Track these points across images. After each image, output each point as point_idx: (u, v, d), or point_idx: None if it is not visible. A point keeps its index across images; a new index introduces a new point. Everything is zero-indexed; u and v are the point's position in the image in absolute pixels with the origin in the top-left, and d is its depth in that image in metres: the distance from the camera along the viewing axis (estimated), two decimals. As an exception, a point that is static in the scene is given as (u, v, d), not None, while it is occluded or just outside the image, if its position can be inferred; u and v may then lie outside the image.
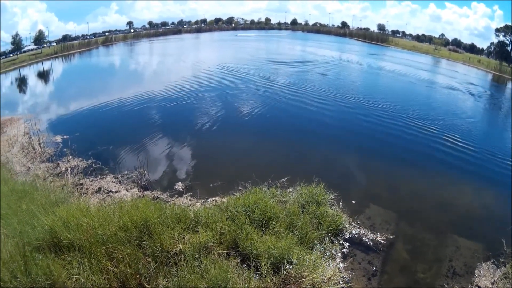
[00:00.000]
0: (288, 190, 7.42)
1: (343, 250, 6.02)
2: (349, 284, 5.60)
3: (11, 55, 46.35)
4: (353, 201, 7.33)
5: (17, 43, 47.18)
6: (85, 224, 5.06)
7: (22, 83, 32.34)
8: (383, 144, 11.79)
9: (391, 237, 6.59)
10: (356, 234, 6.32)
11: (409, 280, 5.90)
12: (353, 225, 6.50)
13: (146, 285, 4.97)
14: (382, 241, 6.43)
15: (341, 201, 7.09)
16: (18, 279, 5.03)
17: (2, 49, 46.67)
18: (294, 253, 5.29)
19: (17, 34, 47.66)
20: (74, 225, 5.10)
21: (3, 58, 44.46)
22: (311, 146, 11.48)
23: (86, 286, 4.97)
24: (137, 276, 4.98)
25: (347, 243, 6.13)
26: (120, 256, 4.95)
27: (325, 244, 5.81)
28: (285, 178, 8.18)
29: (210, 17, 69.59)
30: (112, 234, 4.98)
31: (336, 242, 6.03)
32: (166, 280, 4.93)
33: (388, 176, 9.46)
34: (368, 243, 6.32)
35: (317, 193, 6.60)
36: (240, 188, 7.95)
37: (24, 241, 5.27)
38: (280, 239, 5.34)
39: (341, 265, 5.88)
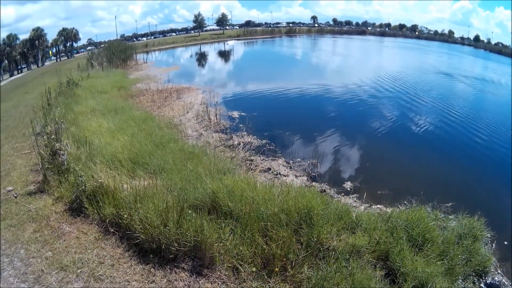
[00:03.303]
0: (450, 216, 7.15)
1: (480, 295, 5.66)
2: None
3: (192, 32, 51.57)
4: (506, 242, 6.84)
5: (199, 22, 52.42)
6: (250, 198, 5.33)
7: (201, 57, 35.63)
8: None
9: (527, 296, 6.06)
10: (497, 282, 5.88)
11: None
12: (498, 271, 6.07)
13: (289, 269, 5.09)
14: (516, 297, 5.94)
15: (495, 242, 6.67)
16: (167, 227, 5.43)
17: (184, 26, 52.82)
18: (438, 283, 5.08)
19: (199, 14, 53.58)
20: (238, 195, 5.39)
21: (184, 33, 49.76)
22: (483, 177, 10.52)
23: (231, 253, 5.23)
24: (284, 259, 5.12)
25: (486, 288, 5.76)
26: (275, 237, 5.12)
27: (467, 283, 5.50)
28: (450, 204, 7.88)
29: (393, 22, 69.63)
30: (273, 214, 5.17)
31: (477, 284, 5.68)
32: (311, 270, 5.00)
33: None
34: (505, 295, 5.88)
35: (476, 228, 6.27)
36: (405, 202, 7.87)
37: (185, 197, 5.70)
38: (429, 264, 5.15)
39: (473, 309, 5.55)
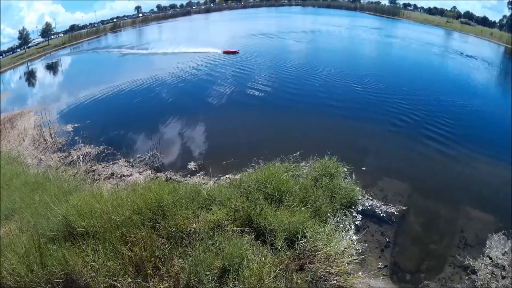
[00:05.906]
0: (301, 164, 7.36)
1: (356, 223, 5.96)
2: (363, 256, 5.51)
3: (19, 50, 46.54)
4: (364, 168, 7.19)
5: (24, 38, 47.31)
6: (99, 210, 5.08)
7: (30, 76, 32.73)
8: (393, 118, 11.44)
9: (404, 208, 6.49)
10: (369, 206, 6.25)
11: (421, 251, 5.86)
12: (366, 197, 6.43)
13: (161, 267, 4.96)
14: (395, 213, 6.33)
15: (353, 173, 7.01)
16: (34, 272, 5.03)
17: (10, 45, 46.91)
18: (308, 227, 5.24)
19: (23, 29, 47.73)
20: (88, 212, 5.12)
21: (10, 54, 44.65)
22: (322, 121, 11.20)
23: (102, 272, 4.97)
24: (152, 259, 4.97)
25: (360, 216, 6.07)
26: (135, 240, 4.95)
27: (338, 217, 5.76)
28: (298, 153, 8.12)
29: (217, -3, 67.56)
30: (126, 218, 4.99)
31: (349, 214, 5.97)
32: (182, 260, 4.90)
33: (401, 149, 9.19)
34: (381, 215, 6.23)
35: (330, 166, 6.54)
36: (253, 164, 7.98)
37: (39, 233, 5.30)
38: (294, 214, 5.30)
39: (355, 237, 5.80)
